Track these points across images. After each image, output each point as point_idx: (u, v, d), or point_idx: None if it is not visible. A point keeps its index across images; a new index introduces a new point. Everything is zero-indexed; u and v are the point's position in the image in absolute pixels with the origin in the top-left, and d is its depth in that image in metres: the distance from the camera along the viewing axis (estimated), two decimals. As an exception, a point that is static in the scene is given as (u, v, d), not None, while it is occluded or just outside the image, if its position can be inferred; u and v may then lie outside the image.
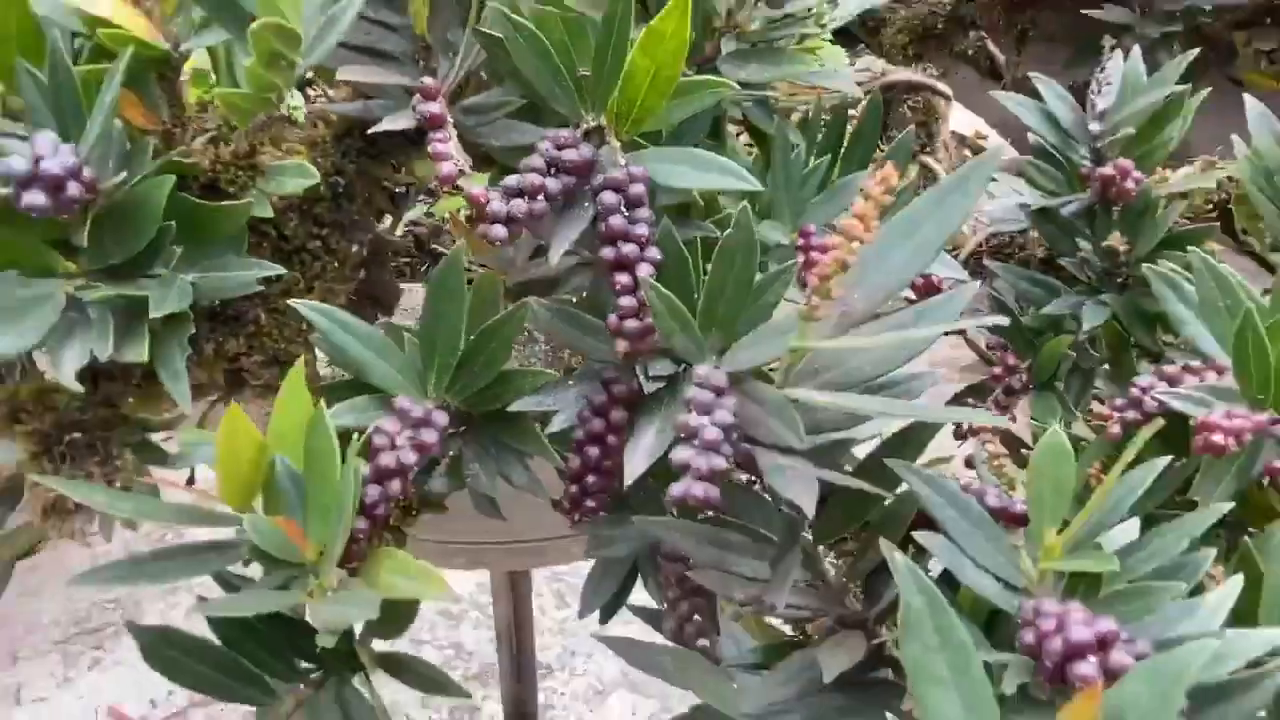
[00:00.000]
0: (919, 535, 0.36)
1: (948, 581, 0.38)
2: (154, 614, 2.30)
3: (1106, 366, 0.58)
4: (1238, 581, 0.36)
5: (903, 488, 0.40)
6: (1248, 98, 0.60)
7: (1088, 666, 0.29)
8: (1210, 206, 0.63)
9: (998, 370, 0.58)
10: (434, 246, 0.91)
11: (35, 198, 0.36)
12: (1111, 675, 0.29)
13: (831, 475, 0.39)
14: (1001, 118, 1.01)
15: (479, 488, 0.49)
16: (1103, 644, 0.29)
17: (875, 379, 0.40)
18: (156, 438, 0.46)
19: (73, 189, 0.36)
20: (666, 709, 2.15)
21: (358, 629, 0.43)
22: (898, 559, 0.30)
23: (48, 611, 2.21)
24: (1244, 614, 0.37)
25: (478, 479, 0.48)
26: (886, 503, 0.41)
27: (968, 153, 0.94)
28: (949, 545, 0.36)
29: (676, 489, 0.37)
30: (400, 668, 0.45)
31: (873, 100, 0.56)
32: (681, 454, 0.37)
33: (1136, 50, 0.59)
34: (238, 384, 0.49)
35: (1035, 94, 0.63)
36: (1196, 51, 0.57)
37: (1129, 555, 0.35)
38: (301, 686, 0.43)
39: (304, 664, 0.43)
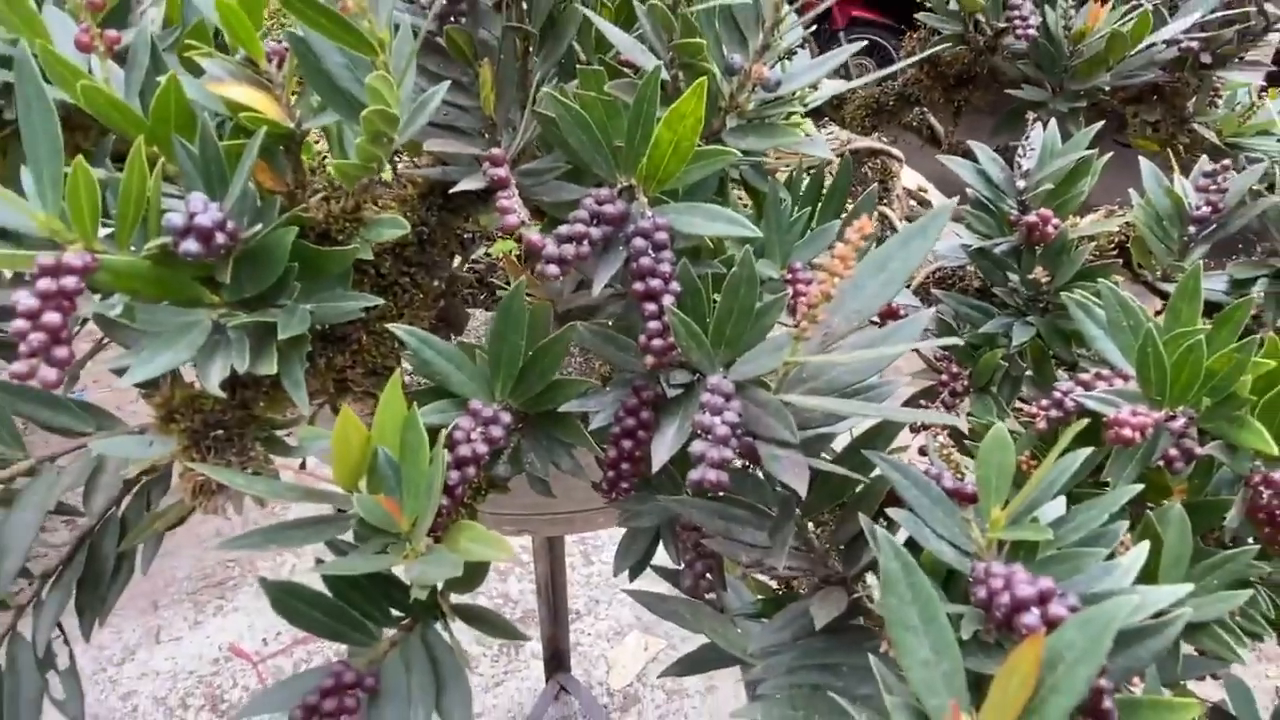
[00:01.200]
0: (891, 511, 0.35)
1: (912, 547, 0.38)
2: (266, 570, 2.30)
3: (1030, 374, 0.58)
4: (1144, 547, 0.35)
5: (875, 472, 0.40)
6: (1142, 159, 0.60)
7: (1031, 617, 0.29)
8: (1113, 245, 0.63)
9: (944, 377, 0.58)
10: (491, 280, 0.91)
11: (190, 245, 0.36)
12: (1051, 624, 0.29)
13: (816, 463, 0.39)
14: (940, 175, 1.00)
15: (534, 472, 0.49)
16: (1043, 599, 0.29)
17: (852, 386, 0.40)
18: (280, 434, 0.46)
19: (219, 238, 0.36)
20: (672, 645, 2.15)
21: (440, 585, 0.43)
22: (877, 531, 0.30)
23: (181, 568, 2.22)
24: (1148, 573, 0.37)
25: (534, 465, 0.48)
26: (861, 485, 0.41)
27: (914, 204, 0.94)
28: (914, 519, 0.35)
29: (694, 474, 0.37)
30: (472, 615, 0.45)
31: (844, 163, 0.55)
32: (698, 447, 0.37)
33: (1054, 123, 0.59)
34: (342, 391, 0.49)
35: (971, 156, 0.63)
36: (1101, 123, 0.57)
37: (1059, 527, 0.35)
38: (395, 630, 0.43)
39: (396, 612, 0.43)
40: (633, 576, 0.54)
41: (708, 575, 0.46)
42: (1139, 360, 0.45)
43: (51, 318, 0.34)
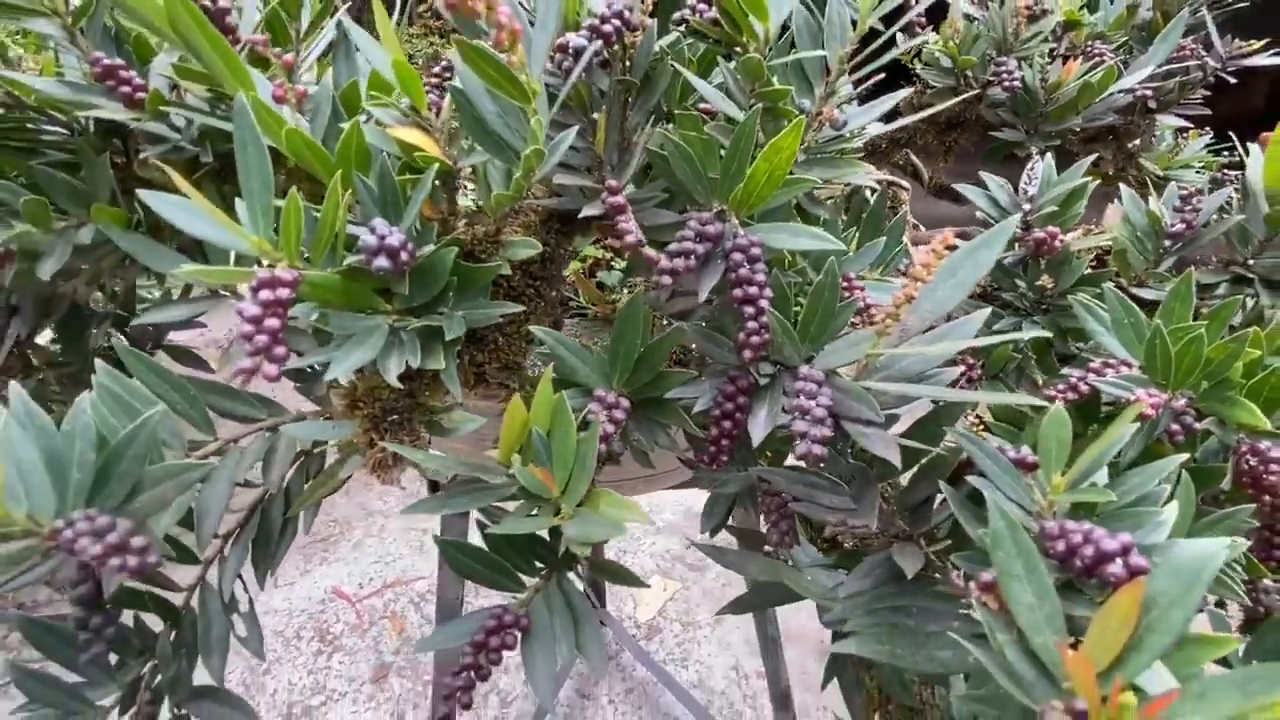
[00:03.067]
0: (971, 478, 0.34)
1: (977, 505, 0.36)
2: (359, 529, 2.30)
3: (1035, 364, 0.56)
4: (1174, 506, 0.34)
5: (941, 446, 0.39)
6: (1122, 186, 0.59)
7: (1117, 567, 0.27)
8: (1093, 258, 0.62)
9: (962, 367, 0.56)
10: (564, 293, 0.89)
11: (382, 262, 0.34)
12: (1134, 573, 0.27)
13: (896, 437, 0.38)
14: (920, 211, 0.99)
15: (640, 447, 0.47)
16: (1124, 551, 0.28)
17: (919, 374, 0.39)
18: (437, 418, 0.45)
19: (403, 257, 0.35)
20: (685, 587, 2.13)
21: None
22: (988, 496, 0.28)
23: (292, 528, 2.21)
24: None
25: (640, 441, 0.47)
26: (929, 457, 0.39)
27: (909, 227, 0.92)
28: (988, 483, 0.34)
29: (800, 449, 0.35)
30: (598, 566, 0.43)
31: (880, 192, 0.54)
32: (799, 426, 0.36)
33: (1050, 157, 0.57)
34: (480, 382, 0.48)
35: (953, 194, 0.62)
36: (1094, 156, 0.55)
37: (1113, 489, 0.33)
38: (538, 579, 0.42)
39: (539, 564, 0.42)
40: (713, 534, 0.52)
41: (789, 533, 0.45)
42: (1147, 351, 0.43)
43: (272, 322, 0.32)
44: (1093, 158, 0.55)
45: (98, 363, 0.45)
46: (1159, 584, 0.25)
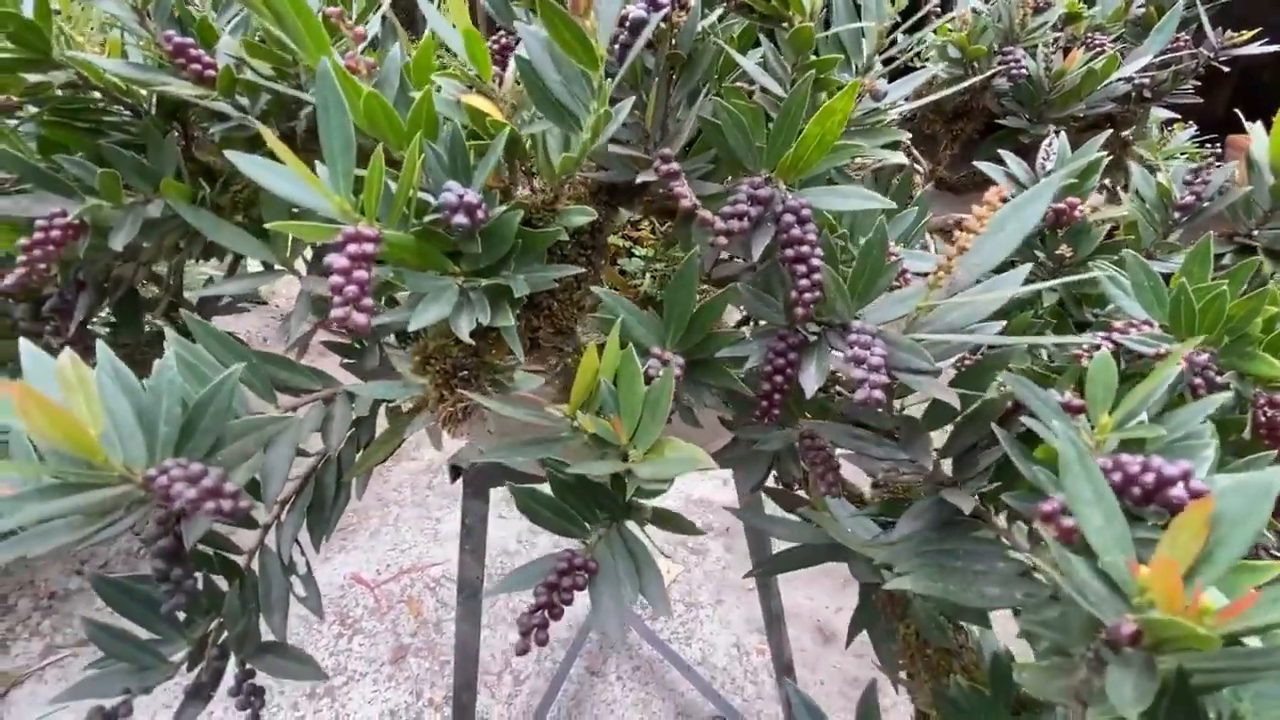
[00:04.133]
0: (1027, 420, 0.34)
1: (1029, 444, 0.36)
2: (376, 518, 2.29)
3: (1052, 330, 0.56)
4: (1215, 443, 0.34)
5: (988, 394, 0.39)
6: (1131, 164, 0.59)
7: (1179, 490, 0.28)
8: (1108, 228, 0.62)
9: (1003, 321, 0.56)
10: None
11: (461, 219, 0.34)
12: (1195, 495, 0.28)
13: (947, 386, 0.38)
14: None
15: (686, 404, 0.47)
16: (1185, 477, 0.28)
17: (965, 326, 0.39)
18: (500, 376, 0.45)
19: (480, 214, 0.35)
20: (687, 569, 2.14)
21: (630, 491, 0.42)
22: (1056, 426, 0.29)
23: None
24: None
25: (688, 400, 0.47)
26: (976, 404, 0.39)
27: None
28: (1040, 425, 0.34)
29: (860, 394, 0.35)
30: (662, 517, 0.43)
31: (907, 169, 0.54)
32: (858, 373, 0.36)
33: (1063, 135, 0.58)
34: (535, 346, 0.47)
35: (952, 187, 0.62)
36: (1109, 133, 0.56)
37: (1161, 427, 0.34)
38: (601, 527, 0.42)
39: (601, 513, 0.42)
40: (754, 491, 0.52)
41: (836, 483, 0.45)
42: (1172, 309, 0.43)
43: (360, 274, 0.32)
44: (1108, 133, 0.56)
45: (168, 332, 0.45)
46: (1227, 501, 0.26)
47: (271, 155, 0.33)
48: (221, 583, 0.51)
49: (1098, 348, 0.47)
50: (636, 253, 0.94)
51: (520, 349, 0.41)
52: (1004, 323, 0.39)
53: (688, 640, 1.96)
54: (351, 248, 0.32)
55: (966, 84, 0.69)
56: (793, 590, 2.04)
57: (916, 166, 0.73)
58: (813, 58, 0.45)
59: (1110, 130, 0.81)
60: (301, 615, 1.90)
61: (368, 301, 0.32)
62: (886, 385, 0.35)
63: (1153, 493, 0.29)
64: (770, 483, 0.53)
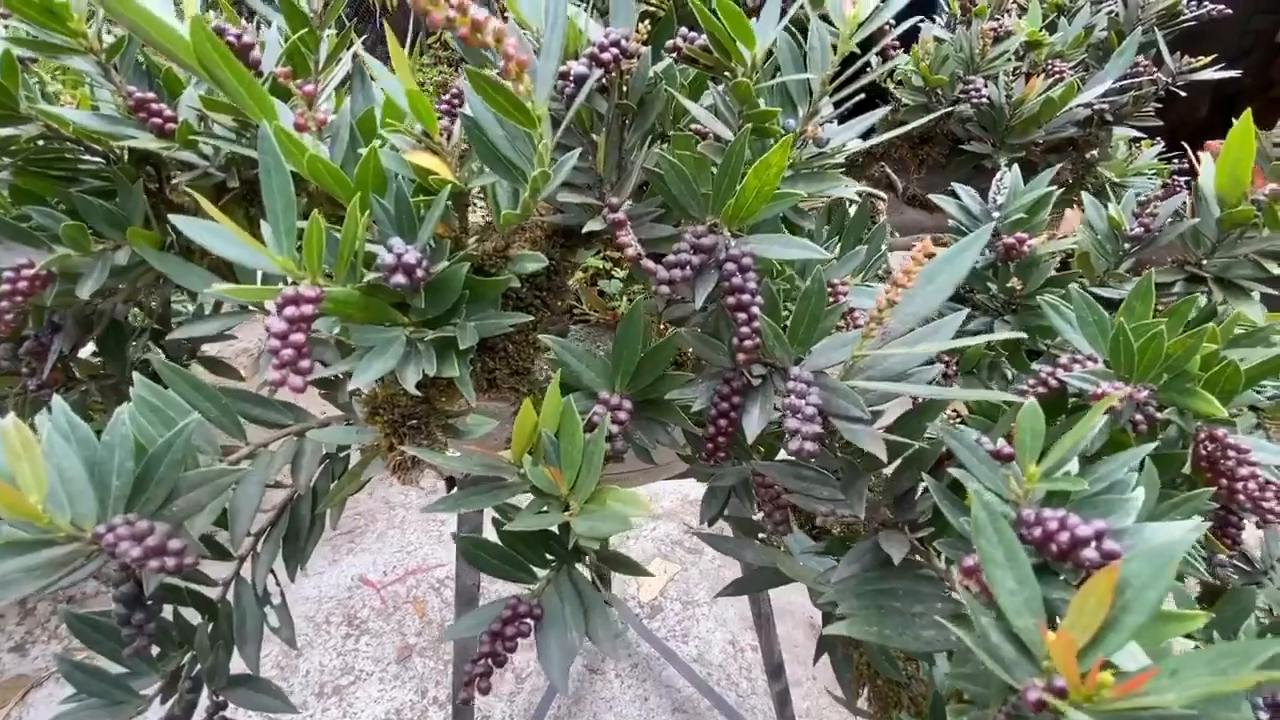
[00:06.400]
0: (952, 469, 0.34)
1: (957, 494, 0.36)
2: (382, 521, 2.29)
3: (1006, 360, 0.56)
4: (1141, 493, 0.33)
5: (923, 440, 0.38)
6: (1084, 194, 0.58)
7: (1091, 552, 0.27)
8: (1058, 260, 0.61)
9: (941, 365, 0.56)
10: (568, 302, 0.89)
11: (399, 278, 0.34)
12: (1107, 557, 0.27)
13: (882, 433, 0.37)
14: (897, 222, 0.98)
15: (642, 445, 0.47)
16: (1098, 537, 0.27)
17: (901, 373, 0.38)
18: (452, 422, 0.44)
19: (419, 273, 0.35)
20: (684, 569, 2.13)
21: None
22: (970, 487, 0.28)
23: (320, 520, 2.20)
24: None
25: (641, 440, 0.46)
26: (912, 449, 0.39)
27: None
28: (967, 474, 0.34)
29: (793, 444, 0.35)
30: (605, 558, 0.43)
31: (862, 203, 0.53)
32: (792, 424, 0.35)
33: (1016, 168, 0.57)
34: (492, 387, 0.47)
35: (927, 204, 0.61)
36: (1061, 166, 0.55)
37: (1085, 478, 0.33)
38: (549, 571, 0.41)
39: (549, 557, 0.42)
40: (710, 524, 0.52)
41: (781, 523, 0.44)
42: (1111, 346, 0.43)
43: (297, 337, 0.32)
44: (1057, 168, 0.55)
45: (135, 376, 0.44)
46: (1133, 567, 0.25)
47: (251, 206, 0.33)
48: (194, 615, 0.51)
49: (1045, 382, 0.46)
50: (617, 274, 0.93)
51: (472, 395, 0.40)
52: (938, 368, 0.38)
53: (684, 638, 1.96)
54: (289, 310, 0.32)
55: (933, 116, 0.68)
56: (786, 588, 2.04)
57: (879, 195, 0.72)
58: (760, 106, 0.44)
59: (1071, 153, 0.80)
60: (309, 616, 1.90)
61: (305, 364, 0.32)
62: (819, 436, 0.34)
63: (1067, 552, 0.28)
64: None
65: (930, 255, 0.32)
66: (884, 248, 0.56)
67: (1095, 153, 0.84)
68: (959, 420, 0.47)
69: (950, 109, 0.74)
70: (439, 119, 0.40)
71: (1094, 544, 0.27)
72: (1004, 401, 0.47)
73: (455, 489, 0.99)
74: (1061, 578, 0.29)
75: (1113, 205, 0.57)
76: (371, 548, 2.17)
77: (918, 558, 0.39)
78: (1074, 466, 0.35)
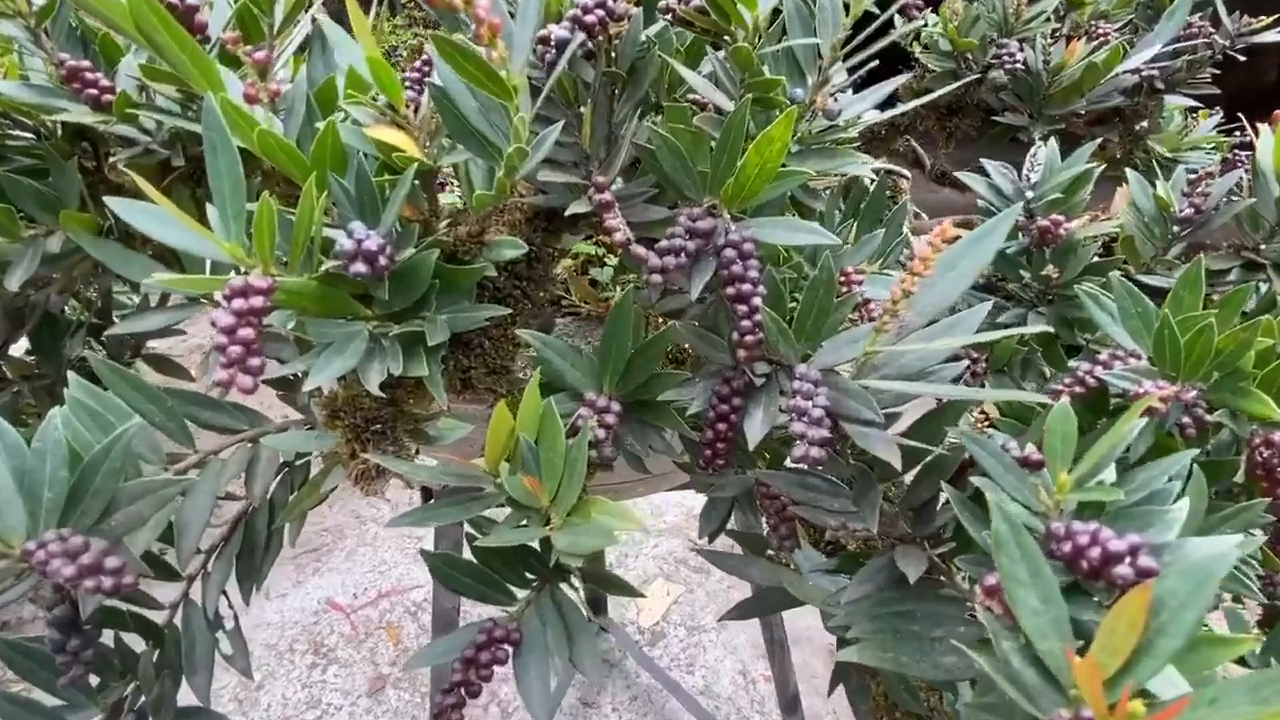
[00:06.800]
0: (974, 478, 0.34)
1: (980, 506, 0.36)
2: (352, 538, 2.30)
3: (1041, 357, 0.56)
4: (1185, 504, 0.34)
5: (945, 445, 0.39)
6: (1129, 171, 0.58)
7: (1125, 569, 0.27)
8: (1100, 245, 0.61)
9: (967, 362, 0.56)
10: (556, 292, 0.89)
11: (359, 267, 0.34)
12: (1142, 574, 0.27)
13: (896, 437, 0.38)
14: (921, 200, 0.98)
15: (634, 452, 0.47)
16: (1133, 552, 0.28)
17: (919, 371, 0.39)
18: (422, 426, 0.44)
19: (382, 261, 0.35)
20: (689, 590, 2.14)
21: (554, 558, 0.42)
22: (990, 498, 0.28)
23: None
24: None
25: (633, 446, 0.47)
26: (932, 456, 0.39)
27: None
28: (991, 483, 0.34)
29: (798, 451, 0.35)
30: (591, 577, 0.43)
31: (879, 182, 0.54)
32: (797, 427, 0.36)
33: (1053, 142, 0.57)
34: (468, 386, 0.47)
35: (954, 182, 0.62)
36: (1099, 140, 0.55)
37: (1121, 487, 0.33)
38: (528, 591, 0.42)
39: (530, 576, 0.42)
40: (712, 539, 0.52)
41: (788, 536, 0.45)
42: (1155, 341, 0.43)
43: (246, 332, 0.32)
44: (1097, 142, 0.55)
45: (70, 376, 0.45)
46: (1169, 585, 0.25)
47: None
48: (138, 642, 0.51)
49: (1083, 381, 0.47)
50: (609, 261, 0.94)
51: (443, 397, 0.40)
52: (961, 365, 0.39)
53: (689, 667, 1.97)
54: (238, 303, 0.32)
55: (961, 83, 0.68)
56: (803, 612, 2.04)
57: (901, 173, 0.72)
58: (764, 74, 0.44)
59: (1118, 125, 0.80)
60: (270, 644, 1.91)
61: (255, 362, 0.32)
62: (826, 441, 0.35)
63: (1099, 569, 0.28)
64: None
65: (951, 239, 0.32)
66: (905, 231, 0.56)
67: (1145, 124, 0.84)
68: (987, 424, 0.48)
69: (981, 76, 0.74)
70: (406, 89, 0.40)
71: (1128, 560, 0.27)
72: (1037, 403, 0.48)
73: (432, 500, 1.00)
74: (1095, 599, 0.30)
75: (1160, 183, 0.57)
76: (340, 567, 2.17)
77: (938, 576, 0.40)
78: (1110, 475, 0.35)
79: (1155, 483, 0.32)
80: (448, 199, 0.48)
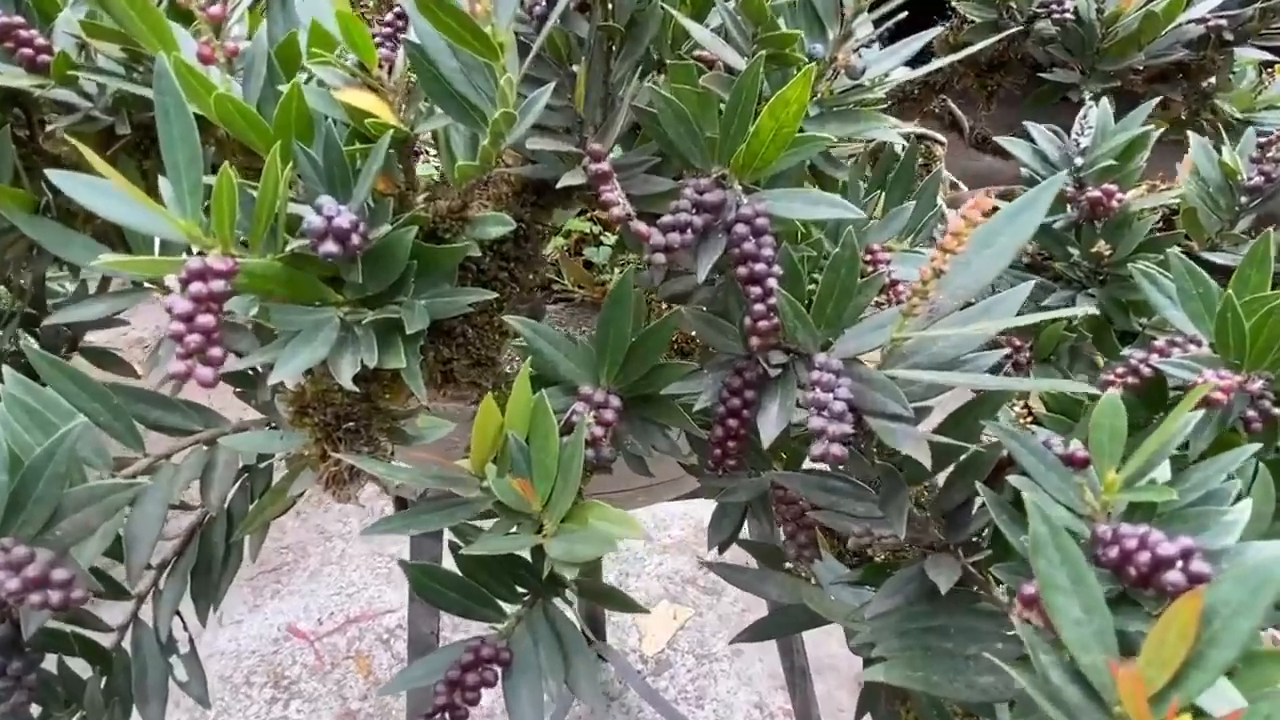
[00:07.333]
0: (1012, 478, 0.35)
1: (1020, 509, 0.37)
2: (316, 556, 2.31)
3: (1091, 344, 0.57)
4: (1248, 504, 0.35)
5: (981, 441, 0.40)
6: (1191, 134, 0.59)
7: (1176, 575, 0.28)
8: (1159, 218, 0.62)
9: (1008, 350, 0.57)
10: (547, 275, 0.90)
11: (329, 246, 0.35)
12: (1194, 580, 0.28)
13: (927, 433, 0.39)
14: (960, 167, 0.99)
15: (635, 452, 0.48)
16: (1184, 556, 0.29)
17: (954, 359, 0.40)
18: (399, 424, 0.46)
19: (355, 240, 0.36)
20: (699, 613, 2.15)
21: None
22: (1026, 497, 0.29)
23: (237, 555, 2.22)
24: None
25: (634, 446, 0.48)
26: (965, 455, 0.40)
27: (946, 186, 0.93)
28: (1031, 483, 0.35)
29: (817, 449, 0.36)
30: (589, 590, 0.44)
31: (910, 148, 0.55)
32: (816, 423, 0.37)
33: (1105, 101, 0.58)
34: (449, 380, 0.48)
35: (993, 146, 0.63)
36: (1158, 100, 0.56)
37: (1175, 487, 0.34)
38: (519, 606, 0.43)
39: (520, 589, 0.43)
40: (722, 550, 0.53)
41: (808, 545, 0.46)
42: (1217, 326, 0.44)
43: (205, 320, 0.33)
44: (1156, 101, 0.56)
45: (6, 371, 0.46)
46: (1223, 592, 0.26)
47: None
48: (85, 667, 0.53)
49: (1137, 370, 0.48)
50: (606, 240, 0.95)
51: (422, 391, 0.42)
52: (1000, 353, 0.40)
53: (699, 700, 1.98)
54: (196, 287, 0.33)
55: (1003, 35, 0.69)
56: (826, 636, 2.06)
57: (936, 138, 0.73)
58: (780, 28, 0.45)
59: (1181, 81, 0.81)
60: (224, 675, 1.93)
61: (216, 352, 0.33)
62: (848, 437, 0.36)
63: (1148, 576, 0.29)
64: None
65: (988, 212, 0.33)
66: (939, 203, 0.57)
67: (1212, 81, 0.84)
68: (1031, 419, 0.49)
69: (1026, 27, 0.75)
70: (379, 46, 0.41)
71: (1179, 565, 0.28)
72: (1086, 395, 0.49)
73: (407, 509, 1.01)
74: (1145, 609, 0.31)
75: (1227, 148, 0.58)
76: (302, 589, 2.19)
77: (974, 588, 0.41)
78: (1164, 473, 0.36)
79: (1212, 482, 0.33)
80: (425, 170, 0.49)
